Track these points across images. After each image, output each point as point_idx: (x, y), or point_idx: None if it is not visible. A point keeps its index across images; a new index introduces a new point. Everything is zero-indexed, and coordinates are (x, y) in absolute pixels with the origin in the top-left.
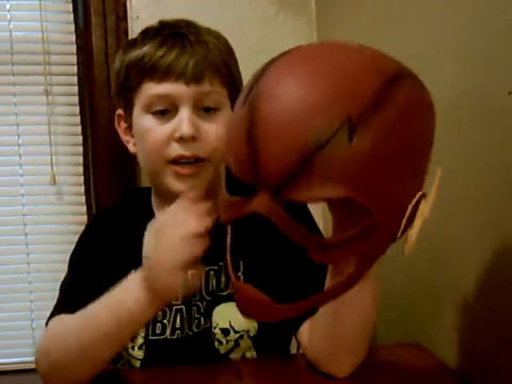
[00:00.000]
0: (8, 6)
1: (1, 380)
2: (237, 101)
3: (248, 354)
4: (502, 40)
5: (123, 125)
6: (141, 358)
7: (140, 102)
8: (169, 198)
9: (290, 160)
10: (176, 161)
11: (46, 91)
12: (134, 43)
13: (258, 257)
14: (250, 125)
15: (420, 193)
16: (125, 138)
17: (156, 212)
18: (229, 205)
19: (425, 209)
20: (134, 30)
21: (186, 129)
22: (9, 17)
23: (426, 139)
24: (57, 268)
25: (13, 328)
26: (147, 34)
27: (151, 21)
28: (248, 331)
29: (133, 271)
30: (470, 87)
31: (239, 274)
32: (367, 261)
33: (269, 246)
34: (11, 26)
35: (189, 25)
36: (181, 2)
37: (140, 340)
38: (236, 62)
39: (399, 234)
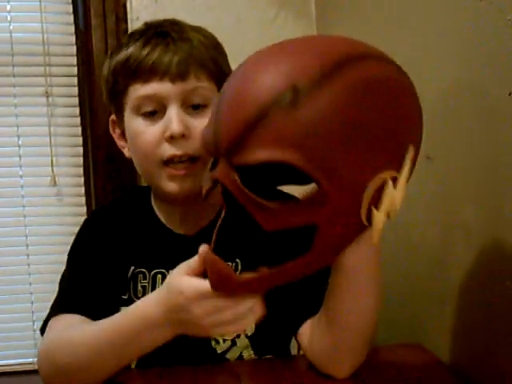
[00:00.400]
0: (8, 7)
1: (3, 381)
2: None
3: (245, 354)
4: (502, 40)
5: (117, 131)
6: None
7: (129, 104)
8: (165, 198)
9: (237, 127)
10: (169, 161)
11: (47, 92)
12: (120, 47)
13: (256, 256)
14: (218, 102)
15: (386, 173)
16: (120, 143)
17: (156, 211)
18: (206, 178)
19: (395, 192)
20: None
21: (175, 127)
22: (9, 18)
23: (390, 119)
24: (57, 269)
25: (14, 329)
26: (132, 36)
27: None
28: (245, 330)
29: (132, 268)
30: (470, 87)
31: (237, 273)
32: (329, 236)
33: (267, 245)
34: (11, 27)
35: (173, 23)
36: (180, 3)
37: None
38: (225, 57)
39: (363, 215)
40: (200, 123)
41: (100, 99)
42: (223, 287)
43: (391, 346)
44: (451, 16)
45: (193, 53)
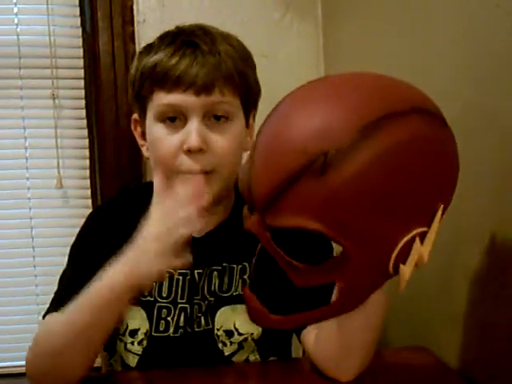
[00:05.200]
0: (15, 10)
1: (10, 382)
2: None
3: (252, 357)
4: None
5: (139, 129)
6: (139, 353)
7: (151, 110)
8: None
9: (269, 190)
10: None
11: (53, 95)
12: (150, 49)
13: (265, 260)
14: (252, 152)
15: (416, 231)
16: (140, 142)
17: None
18: (245, 219)
19: (423, 248)
20: (141, 33)
21: (193, 141)
22: (16, 21)
23: (420, 182)
24: None
25: (20, 331)
26: (163, 40)
27: (158, 24)
28: (252, 334)
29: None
30: (474, 97)
31: (245, 277)
32: (354, 290)
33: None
34: (19, 29)
35: (205, 32)
36: (187, 5)
37: (141, 336)
38: (253, 68)
39: (391, 269)
40: (219, 138)
41: (106, 101)
42: (260, 322)
43: (397, 350)
44: (459, 20)
45: (220, 67)
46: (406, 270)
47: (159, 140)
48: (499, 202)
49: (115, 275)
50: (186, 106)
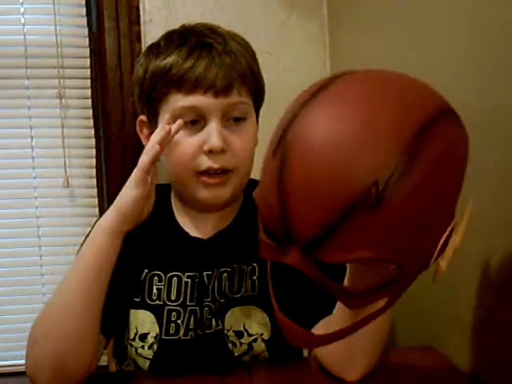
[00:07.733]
0: (22, 10)
1: (18, 381)
2: (268, 146)
3: (261, 359)
4: None
5: (145, 131)
6: (150, 357)
7: (166, 112)
8: (196, 205)
9: (317, 224)
10: (204, 171)
11: (60, 94)
12: (158, 50)
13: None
14: (280, 180)
15: (450, 227)
16: (147, 144)
17: (175, 212)
18: (267, 246)
19: (456, 238)
20: (147, 33)
21: (215, 142)
22: (23, 21)
23: (459, 183)
24: None
25: (27, 330)
26: (171, 40)
27: (164, 24)
28: (262, 334)
29: (145, 271)
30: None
31: (254, 277)
32: (400, 293)
33: None
34: (25, 29)
35: (214, 32)
36: (193, 5)
37: (151, 340)
38: (258, 65)
39: (430, 263)
40: (238, 138)
41: (113, 101)
42: (301, 343)
43: (404, 349)
44: (466, 18)
45: (236, 67)
46: (443, 263)
47: (177, 142)
48: (503, 199)
49: (102, 227)
50: (207, 107)
